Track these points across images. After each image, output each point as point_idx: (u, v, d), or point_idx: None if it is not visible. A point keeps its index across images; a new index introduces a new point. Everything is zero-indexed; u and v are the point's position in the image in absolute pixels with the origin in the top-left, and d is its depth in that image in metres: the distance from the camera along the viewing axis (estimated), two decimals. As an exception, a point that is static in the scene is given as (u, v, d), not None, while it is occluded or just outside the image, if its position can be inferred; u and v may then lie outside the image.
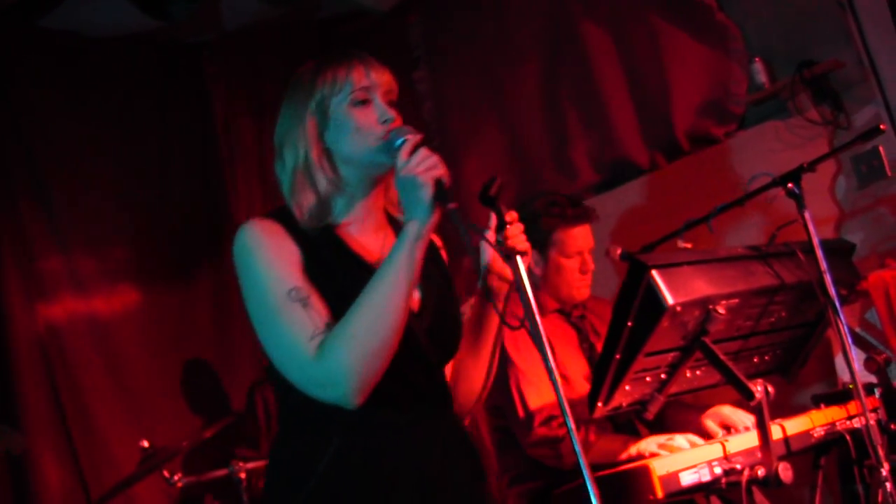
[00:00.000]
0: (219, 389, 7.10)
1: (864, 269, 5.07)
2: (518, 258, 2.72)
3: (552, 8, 6.84)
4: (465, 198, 7.25)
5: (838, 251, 4.26)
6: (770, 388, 3.39)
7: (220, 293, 7.37)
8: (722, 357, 3.48)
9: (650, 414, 3.75)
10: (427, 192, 2.66)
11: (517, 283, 2.70)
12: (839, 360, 4.91)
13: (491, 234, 2.84)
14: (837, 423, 3.94)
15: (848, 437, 3.90)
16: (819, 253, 3.79)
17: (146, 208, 7.10)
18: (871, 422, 3.67)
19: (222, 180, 7.60)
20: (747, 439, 3.55)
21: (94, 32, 6.98)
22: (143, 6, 6.60)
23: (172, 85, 7.52)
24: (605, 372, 3.52)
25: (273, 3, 7.29)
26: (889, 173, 5.50)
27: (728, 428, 4.09)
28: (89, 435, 6.28)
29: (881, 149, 5.47)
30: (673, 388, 3.74)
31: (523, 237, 2.76)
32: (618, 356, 3.46)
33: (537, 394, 4.49)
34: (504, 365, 4.44)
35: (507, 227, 2.75)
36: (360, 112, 2.87)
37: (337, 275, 2.81)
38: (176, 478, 5.44)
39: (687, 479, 3.33)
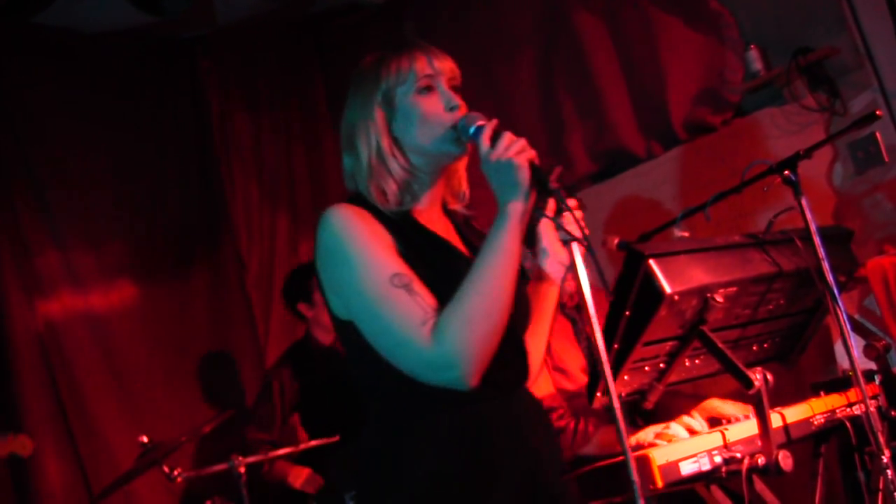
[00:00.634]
0: (217, 384, 7.11)
1: (863, 256, 5.06)
2: (574, 244, 2.75)
3: (546, -2, 6.85)
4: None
5: (836, 238, 4.25)
6: (769, 376, 3.38)
7: (217, 287, 7.38)
8: (720, 345, 3.47)
9: (649, 403, 3.74)
10: (523, 175, 2.67)
11: (573, 268, 2.74)
12: (838, 348, 4.91)
13: (548, 220, 2.92)
14: (837, 411, 3.93)
15: (848, 425, 3.88)
16: (817, 240, 3.78)
17: (142, 204, 7.11)
18: (871, 409, 3.66)
19: (218, 175, 7.61)
20: (747, 428, 3.54)
21: (88, 29, 6.97)
22: (136, 2, 6.58)
23: (167, 80, 7.52)
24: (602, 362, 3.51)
25: (267, -3, 7.29)
26: (886, 159, 5.49)
27: (720, 420, 4.08)
28: (89, 430, 6.29)
29: (878, 135, 5.47)
30: (672, 378, 3.72)
31: (582, 224, 2.77)
32: (616, 346, 3.45)
33: (535, 386, 4.49)
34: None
35: (566, 213, 2.75)
36: (426, 100, 2.89)
37: (429, 258, 2.82)
38: (175, 472, 5.43)
39: (687, 468, 3.32)
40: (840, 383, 4.13)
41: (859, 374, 3.68)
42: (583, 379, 4.61)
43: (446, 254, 2.87)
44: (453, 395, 2.71)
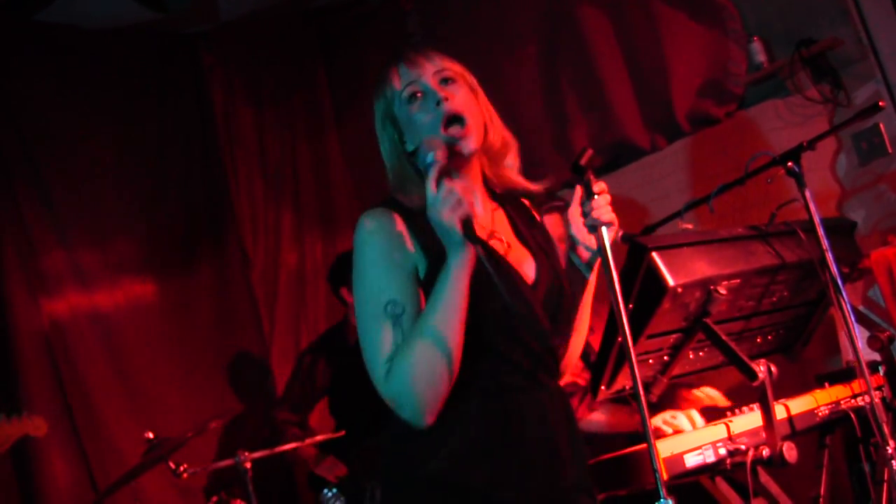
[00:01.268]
0: (223, 379, 7.11)
1: (866, 247, 5.06)
2: (603, 229, 2.81)
3: (549, -9, 6.84)
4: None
5: (840, 229, 4.25)
6: (773, 368, 3.38)
7: (222, 283, 7.39)
8: (724, 338, 3.47)
9: (653, 396, 3.74)
10: (456, 234, 2.68)
11: (601, 254, 2.79)
12: (842, 339, 4.90)
13: (576, 206, 2.94)
14: (842, 402, 3.94)
15: (853, 416, 3.89)
16: (820, 231, 3.78)
17: (146, 201, 7.10)
18: (876, 400, 3.66)
19: (222, 170, 7.61)
20: (751, 419, 3.54)
21: (91, 25, 6.97)
22: (139, -3, 6.60)
23: (170, 76, 7.51)
24: (607, 355, 3.51)
25: (270, -8, 7.29)
26: (890, 150, 5.48)
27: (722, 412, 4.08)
28: (95, 427, 6.29)
29: (881, 126, 5.46)
30: (676, 370, 3.73)
31: (609, 208, 2.85)
32: (619, 339, 3.45)
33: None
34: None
35: (594, 198, 2.84)
36: (414, 107, 2.95)
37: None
38: (182, 468, 5.44)
39: (691, 460, 3.33)
40: (844, 374, 4.14)
41: (863, 365, 3.68)
42: (584, 371, 4.62)
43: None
44: (482, 379, 2.81)
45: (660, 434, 3.88)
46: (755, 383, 3.36)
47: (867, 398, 3.68)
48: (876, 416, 3.62)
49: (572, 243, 3.03)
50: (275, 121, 7.97)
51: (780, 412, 3.59)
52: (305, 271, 7.81)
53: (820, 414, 3.82)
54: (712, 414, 4.14)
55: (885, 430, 3.62)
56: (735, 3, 5.99)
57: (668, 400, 4.44)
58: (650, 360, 3.62)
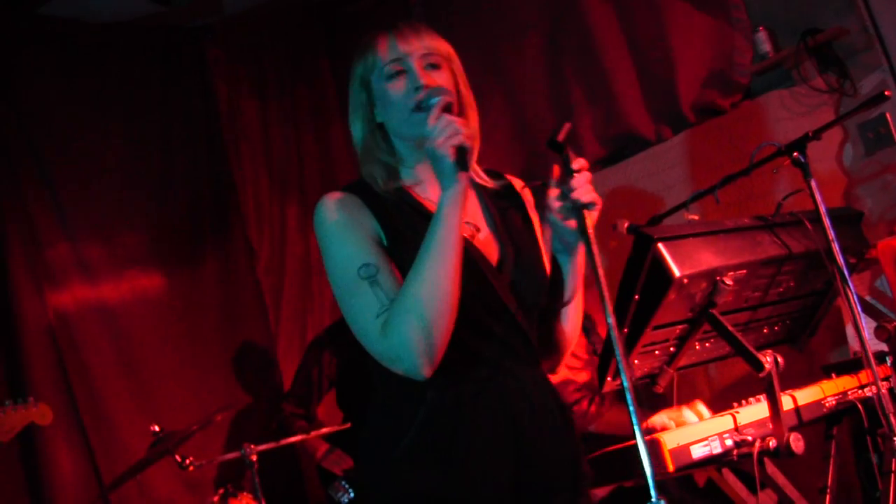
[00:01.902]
0: (228, 372, 7.11)
1: (873, 237, 5.04)
2: (586, 211, 2.68)
3: (554, -19, 6.83)
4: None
5: (846, 219, 4.24)
6: (780, 359, 3.37)
7: (228, 275, 7.39)
8: (731, 328, 3.47)
9: (660, 387, 3.74)
10: (448, 162, 2.67)
11: (583, 238, 2.66)
12: (849, 329, 4.89)
13: (554, 187, 2.81)
14: (849, 393, 3.93)
15: (860, 407, 3.88)
16: (826, 221, 3.77)
17: (152, 193, 7.11)
18: (883, 390, 3.65)
19: (227, 163, 7.61)
20: (758, 410, 3.53)
21: (95, 18, 6.98)
22: (143, -9, 6.61)
23: (175, 69, 7.51)
24: (613, 346, 3.50)
25: (274, -16, 7.29)
26: (896, 140, 5.48)
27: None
28: (100, 420, 6.30)
29: (888, 115, 5.44)
30: (682, 361, 3.73)
31: (590, 187, 2.71)
32: (625, 330, 3.44)
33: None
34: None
35: (574, 176, 2.71)
36: (394, 85, 2.89)
37: (414, 236, 2.79)
38: (188, 461, 5.44)
39: (698, 451, 3.32)
40: (851, 365, 4.12)
41: (870, 355, 3.67)
42: (590, 363, 4.62)
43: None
44: (438, 371, 2.70)
45: (665, 430, 3.87)
46: (762, 374, 3.36)
47: (874, 388, 3.67)
48: (883, 407, 3.61)
49: (552, 227, 2.87)
50: (280, 113, 7.97)
51: (786, 403, 3.58)
52: (311, 263, 7.80)
53: (827, 405, 3.81)
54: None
55: (893, 420, 3.61)
56: (740, -7, 5.98)
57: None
58: (656, 352, 3.62)
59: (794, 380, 4.03)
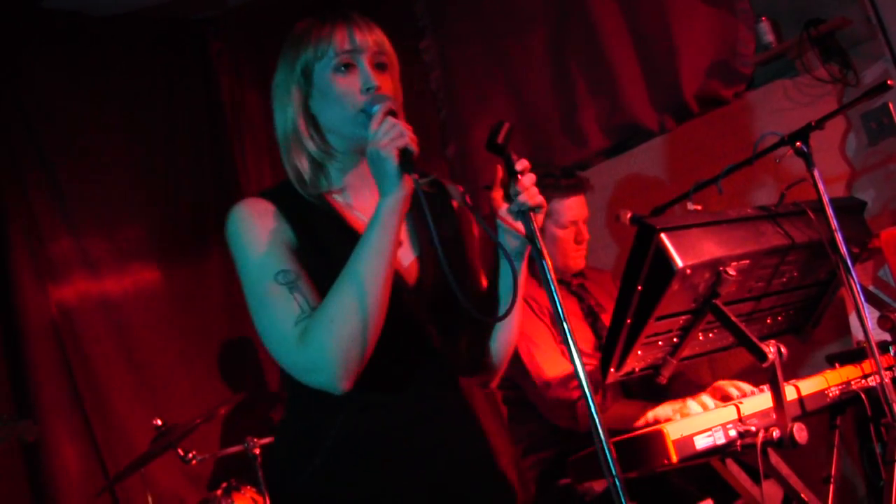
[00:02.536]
0: (232, 365, 7.10)
1: (876, 227, 5.04)
2: (531, 214, 2.61)
3: (556, -27, 6.82)
4: (475, 166, 7.30)
5: (849, 209, 4.23)
6: (783, 349, 3.36)
7: (231, 269, 7.31)
8: (734, 319, 3.45)
9: (663, 378, 3.73)
10: (391, 164, 2.54)
11: (531, 242, 2.59)
12: (853, 319, 4.89)
13: (497, 189, 2.74)
14: (852, 383, 3.92)
15: (863, 396, 3.88)
16: (829, 211, 3.76)
17: (155, 187, 7.10)
18: (887, 380, 3.64)
19: (231, 156, 7.59)
20: (761, 401, 3.53)
21: (98, 12, 6.96)
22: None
23: (178, 62, 7.50)
24: (616, 337, 3.50)
25: (277, -24, 7.27)
26: (899, 130, 5.47)
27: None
28: (104, 414, 6.29)
29: (891, 105, 5.43)
30: (686, 352, 3.72)
31: (535, 190, 2.63)
32: (629, 321, 3.44)
33: (550, 361, 4.51)
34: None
35: (519, 179, 2.62)
36: (343, 80, 2.77)
37: (329, 249, 2.74)
38: (191, 455, 5.45)
39: (701, 442, 3.31)
40: (855, 355, 4.12)
41: (874, 345, 3.66)
42: (593, 356, 4.61)
43: (350, 243, 2.69)
44: (350, 394, 2.61)
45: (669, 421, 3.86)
46: (765, 364, 3.35)
47: (878, 378, 3.66)
48: (887, 397, 3.61)
49: (498, 231, 2.79)
50: (283, 106, 7.95)
51: (790, 393, 3.57)
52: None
53: (830, 395, 3.80)
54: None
55: (896, 409, 3.61)
56: (743, -17, 5.98)
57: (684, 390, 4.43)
58: (659, 342, 3.61)
59: (798, 370, 4.04)
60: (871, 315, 3.93)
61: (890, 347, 4.09)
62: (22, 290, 6.19)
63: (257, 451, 5.38)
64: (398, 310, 2.68)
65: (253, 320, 2.72)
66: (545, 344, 4.54)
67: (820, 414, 3.86)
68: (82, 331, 6.41)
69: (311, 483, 2.76)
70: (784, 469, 3.57)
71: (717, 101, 6.14)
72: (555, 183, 4.77)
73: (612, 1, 6.55)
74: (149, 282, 6.92)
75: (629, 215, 4.49)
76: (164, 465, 6.00)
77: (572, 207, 4.82)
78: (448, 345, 2.90)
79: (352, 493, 2.74)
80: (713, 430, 3.35)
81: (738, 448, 3.38)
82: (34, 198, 6.46)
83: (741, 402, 3.51)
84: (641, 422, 4.06)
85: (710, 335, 3.77)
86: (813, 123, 3.96)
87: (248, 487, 5.50)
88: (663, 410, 3.99)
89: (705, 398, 3.97)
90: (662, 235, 3.27)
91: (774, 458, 3.51)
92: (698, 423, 3.36)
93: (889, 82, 4.09)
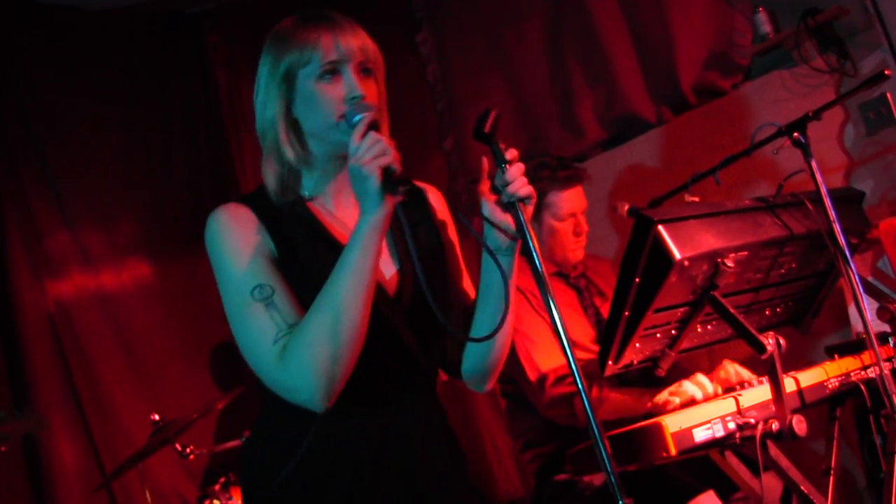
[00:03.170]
0: (229, 360, 7.09)
1: (875, 218, 5.03)
2: (519, 205, 2.56)
3: (553, -36, 6.80)
4: (474, 159, 7.28)
5: (848, 200, 4.23)
6: (782, 341, 3.35)
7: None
8: (732, 311, 3.45)
9: (662, 370, 3.72)
10: (374, 183, 2.49)
11: (521, 235, 2.56)
12: (852, 310, 4.88)
13: (485, 181, 2.68)
14: (852, 374, 3.90)
15: (863, 388, 3.86)
16: (828, 202, 3.75)
17: (152, 182, 7.09)
18: (886, 371, 3.64)
19: (227, 150, 7.58)
20: (760, 393, 3.52)
21: (93, 6, 6.95)
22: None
23: (174, 56, 7.49)
24: (614, 329, 3.49)
25: (273, -32, 7.24)
26: (898, 120, 5.46)
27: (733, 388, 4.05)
28: (101, 409, 6.29)
29: (888, 95, 5.42)
30: (684, 344, 3.71)
31: (524, 180, 2.58)
32: (627, 313, 3.43)
33: (547, 357, 4.50)
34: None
35: (507, 168, 2.58)
36: (328, 87, 2.72)
37: (309, 259, 2.72)
38: (188, 450, 5.44)
39: (700, 435, 3.30)
40: (854, 346, 4.11)
41: (873, 336, 3.65)
42: (593, 349, 4.60)
43: (327, 252, 2.72)
44: (331, 409, 2.59)
45: (669, 407, 3.85)
46: (764, 356, 3.33)
47: (877, 369, 3.65)
48: (886, 388, 3.60)
49: (485, 224, 2.72)
50: (279, 99, 7.94)
51: (789, 385, 3.56)
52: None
53: (830, 386, 3.79)
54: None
55: (895, 401, 3.60)
56: (739, -26, 5.96)
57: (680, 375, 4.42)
58: (658, 335, 3.60)
59: (797, 361, 4.02)
60: (870, 306, 3.92)
61: (889, 338, 4.08)
62: (19, 285, 6.18)
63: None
64: (378, 322, 2.65)
65: (232, 333, 2.70)
66: (543, 339, 4.53)
67: (819, 406, 3.84)
68: (79, 326, 6.41)
69: (283, 488, 2.75)
70: (783, 461, 3.56)
71: (714, 92, 6.13)
72: (552, 175, 4.76)
73: (609, -10, 6.55)
74: (146, 277, 6.91)
75: (626, 207, 4.48)
76: (161, 460, 6.00)
77: (570, 199, 4.80)
78: (429, 354, 2.89)
79: (324, 501, 2.74)
80: (712, 422, 3.34)
81: (738, 440, 3.37)
82: (30, 192, 6.45)
83: (740, 395, 3.50)
84: (641, 410, 4.05)
85: (709, 327, 3.76)
86: (811, 114, 3.95)
87: (246, 482, 5.48)
88: (661, 396, 3.98)
89: (700, 377, 3.96)
90: (660, 227, 3.26)
91: (774, 450, 3.50)
92: (697, 415, 3.35)
93: (887, 72, 4.09)
